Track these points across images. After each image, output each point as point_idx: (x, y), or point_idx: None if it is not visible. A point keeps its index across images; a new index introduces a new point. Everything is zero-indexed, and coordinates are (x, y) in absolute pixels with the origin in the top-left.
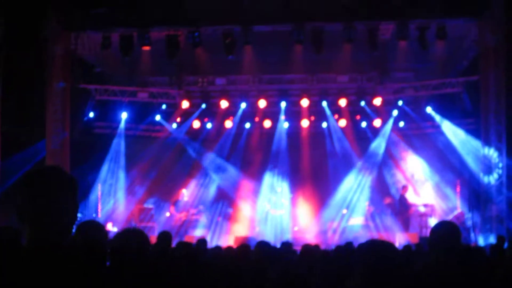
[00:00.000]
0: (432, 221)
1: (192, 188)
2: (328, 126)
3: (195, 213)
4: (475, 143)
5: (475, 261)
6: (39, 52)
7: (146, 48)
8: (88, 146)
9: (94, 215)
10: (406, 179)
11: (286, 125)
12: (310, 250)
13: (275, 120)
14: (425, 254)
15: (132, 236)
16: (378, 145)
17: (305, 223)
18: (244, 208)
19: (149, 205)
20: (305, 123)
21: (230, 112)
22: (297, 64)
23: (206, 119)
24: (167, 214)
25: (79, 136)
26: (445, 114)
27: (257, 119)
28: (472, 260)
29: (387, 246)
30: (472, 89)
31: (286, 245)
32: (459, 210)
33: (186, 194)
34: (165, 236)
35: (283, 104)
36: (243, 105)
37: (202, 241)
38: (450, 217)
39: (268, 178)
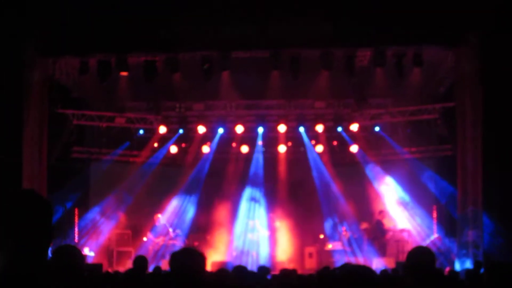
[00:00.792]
0: (409, 246)
1: (169, 213)
2: (305, 152)
3: (172, 238)
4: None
5: (449, 286)
6: (17, 77)
7: (124, 73)
8: (66, 171)
9: (70, 240)
10: (383, 204)
11: (263, 150)
12: (287, 274)
13: (252, 146)
14: (401, 278)
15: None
16: (355, 170)
17: (282, 248)
18: (221, 233)
19: (126, 229)
20: (282, 148)
21: (207, 138)
22: (274, 90)
23: (183, 145)
24: (144, 238)
25: (56, 161)
26: (422, 140)
27: (234, 144)
28: (446, 285)
29: (363, 270)
30: (448, 116)
31: (263, 269)
32: (435, 235)
33: (161, 218)
34: (140, 261)
35: (260, 130)
36: (221, 131)
37: None
38: (427, 242)
39: (245, 203)
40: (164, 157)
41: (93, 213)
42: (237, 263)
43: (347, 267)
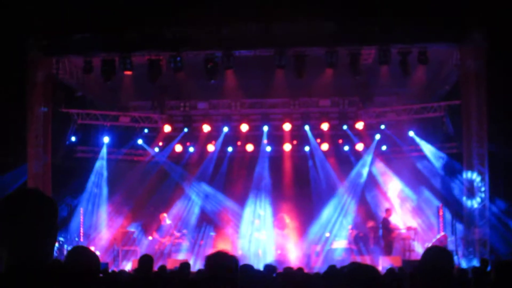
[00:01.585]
0: (415, 245)
1: (174, 212)
2: (311, 150)
3: (178, 237)
4: (457, 166)
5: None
6: (21, 77)
7: (128, 72)
8: (70, 170)
9: (76, 239)
10: (389, 203)
11: (268, 149)
12: (293, 273)
13: (257, 144)
14: (410, 277)
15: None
16: (361, 169)
17: (288, 246)
18: (227, 232)
19: (132, 228)
20: (287, 147)
21: (212, 136)
22: (279, 89)
23: (188, 143)
24: (150, 237)
25: (61, 160)
26: (427, 138)
27: (239, 143)
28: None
29: (369, 269)
30: (454, 113)
31: (269, 268)
32: (442, 233)
33: (167, 217)
34: (146, 260)
35: (265, 128)
36: (225, 129)
37: (185, 265)
38: (433, 241)
39: (251, 202)
40: (169, 156)
41: (98, 212)
42: (242, 261)
43: (353, 266)
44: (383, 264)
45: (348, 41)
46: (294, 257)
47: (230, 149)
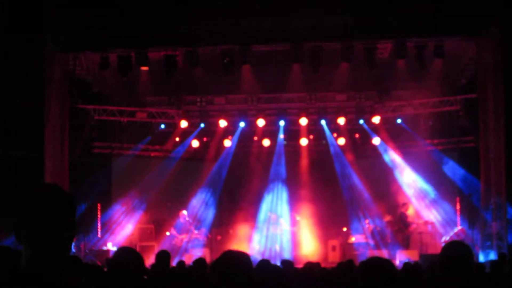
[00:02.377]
0: (433, 239)
1: (191, 208)
2: (327, 145)
3: (196, 234)
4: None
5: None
6: (38, 73)
7: (145, 68)
8: (87, 166)
9: (93, 235)
10: (406, 197)
11: (285, 144)
12: (311, 268)
13: (274, 139)
14: (428, 271)
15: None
16: (377, 162)
17: (306, 241)
18: (244, 227)
19: (149, 224)
20: (304, 141)
21: (228, 131)
22: (295, 83)
23: (205, 139)
24: (167, 233)
25: (78, 156)
26: (444, 132)
27: (256, 138)
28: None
29: (386, 264)
30: (470, 107)
31: (287, 263)
32: (459, 227)
33: (186, 215)
34: (163, 255)
35: (281, 123)
36: (242, 124)
37: (200, 261)
38: (450, 234)
39: (268, 197)
40: (186, 151)
41: (116, 208)
42: (260, 257)
43: (370, 260)
44: (400, 258)
45: (364, 35)
46: (311, 251)
47: (246, 144)
